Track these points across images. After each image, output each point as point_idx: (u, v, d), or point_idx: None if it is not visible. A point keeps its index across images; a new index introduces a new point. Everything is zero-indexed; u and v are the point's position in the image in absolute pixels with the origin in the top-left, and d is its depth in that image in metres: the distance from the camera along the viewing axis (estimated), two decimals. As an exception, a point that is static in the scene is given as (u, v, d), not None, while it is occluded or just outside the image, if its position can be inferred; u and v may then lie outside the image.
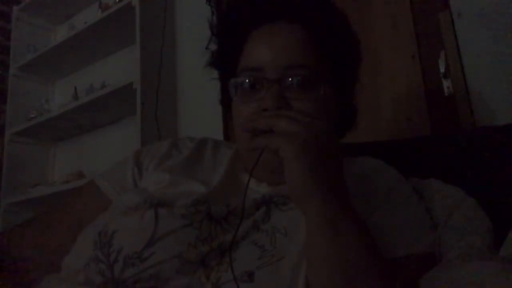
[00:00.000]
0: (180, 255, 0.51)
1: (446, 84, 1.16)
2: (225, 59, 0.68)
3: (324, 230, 0.47)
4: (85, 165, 2.18)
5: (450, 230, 0.61)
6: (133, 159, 0.70)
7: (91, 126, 2.22)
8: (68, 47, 2.13)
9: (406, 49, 1.28)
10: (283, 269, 0.51)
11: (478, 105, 1.09)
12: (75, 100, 2.08)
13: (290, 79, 0.58)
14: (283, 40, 0.60)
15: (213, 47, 0.70)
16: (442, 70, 1.16)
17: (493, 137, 0.78)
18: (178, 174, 0.65)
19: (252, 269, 0.50)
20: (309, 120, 0.51)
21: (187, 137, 0.75)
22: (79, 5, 2.38)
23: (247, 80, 0.61)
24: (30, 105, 2.32)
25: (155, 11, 1.88)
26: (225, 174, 0.65)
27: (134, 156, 0.71)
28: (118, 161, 0.72)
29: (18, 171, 2.23)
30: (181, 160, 0.68)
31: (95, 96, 1.89)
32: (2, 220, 2.09)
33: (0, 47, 2.47)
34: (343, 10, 0.66)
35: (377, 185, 0.62)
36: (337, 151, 0.52)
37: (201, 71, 0.70)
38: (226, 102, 0.69)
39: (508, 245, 0.55)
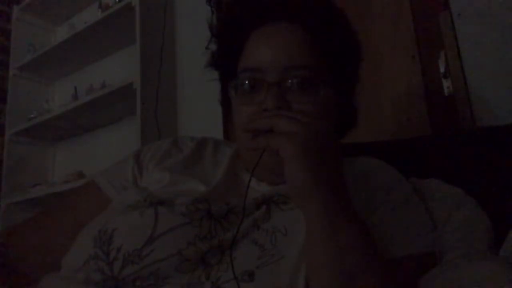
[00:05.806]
0: (180, 253, 0.51)
1: (446, 84, 1.16)
2: (225, 60, 0.68)
3: (324, 230, 0.47)
4: (85, 165, 2.18)
5: (450, 230, 0.61)
6: (133, 158, 0.70)
7: (91, 126, 2.22)
8: (68, 47, 2.13)
9: (406, 49, 1.28)
10: (283, 269, 0.51)
11: (478, 105, 1.09)
12: (75, 100, 2.08)
13: (290, 80, 0.58)
14: (282, 40, 0.60)
15: (213, 47, 0.70)
16: (442, 70, 1.16)
17: (493, 137, 0.78)
18: (178, 173, 0.65)
19: (252, 269, 0.50)
20: (309, 120, 0.51)
21: (188, 136, 0.75)
22: (79, 5, 2.38)
23: (246, 81, 0.60)
24: (30, 105, 2.32)
25: (155, 11, 1.88)
26: (225, 173, 0.65)
27: (134, 155, 0.71)
28: (118, 160, 0.72)
29: (18, 171, 2.23)
30: (181, 159, 0.68)
31: (95, 96, 1.89)
32: (2, 220, 2.09)
33: (0, 47, 2.47)
34: (343, 10, 0.66)
35: (377, 185, 0.62)
36: (337, 151, 0.52)
37: (201, 71, 0.70)
38: (226, 103, 0.69)
39: (508, 245, 0.55)
